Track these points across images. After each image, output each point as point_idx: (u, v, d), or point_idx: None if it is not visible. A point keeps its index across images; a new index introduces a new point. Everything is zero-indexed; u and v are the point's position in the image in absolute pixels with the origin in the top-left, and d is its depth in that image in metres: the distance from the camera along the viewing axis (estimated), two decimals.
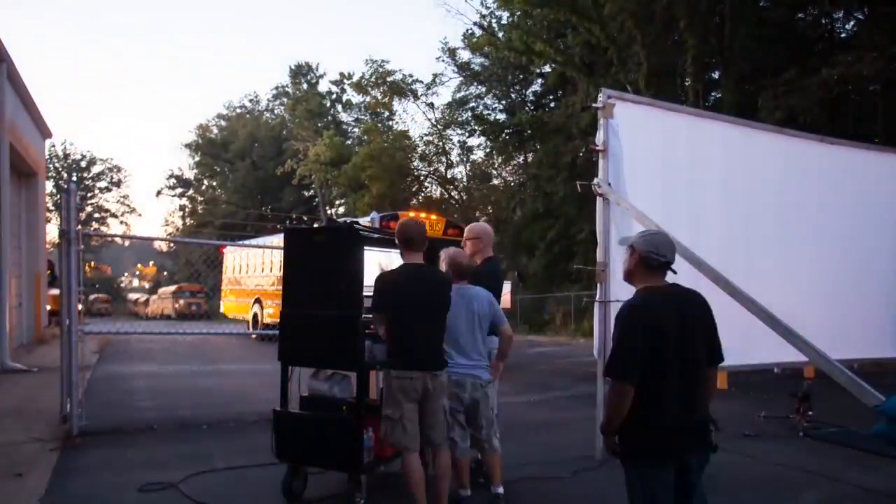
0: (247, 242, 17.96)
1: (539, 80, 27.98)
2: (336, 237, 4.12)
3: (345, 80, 38.57)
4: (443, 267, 4.17)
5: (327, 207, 39.04)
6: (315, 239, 4.24)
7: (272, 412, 4.19)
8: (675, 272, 2.78)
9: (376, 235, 4.81)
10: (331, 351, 3.99)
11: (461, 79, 30.10)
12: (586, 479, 4.63)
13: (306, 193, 44.01)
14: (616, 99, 5.48)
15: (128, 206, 54.97)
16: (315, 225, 20.89)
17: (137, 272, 65.20)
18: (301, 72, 44.24)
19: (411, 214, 12.08)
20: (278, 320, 4.26)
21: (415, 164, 30.08)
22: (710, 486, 2.69)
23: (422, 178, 30.94)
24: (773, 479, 4.67)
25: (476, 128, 27.33)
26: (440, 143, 30.70)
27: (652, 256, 2.69)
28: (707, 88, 18.89)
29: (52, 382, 5.71)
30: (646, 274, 2.72)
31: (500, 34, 24.96)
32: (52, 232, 23.79)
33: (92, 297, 34.35)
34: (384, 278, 3.80)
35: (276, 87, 50.07)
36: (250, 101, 53.40)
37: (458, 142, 30.72)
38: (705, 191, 6.04)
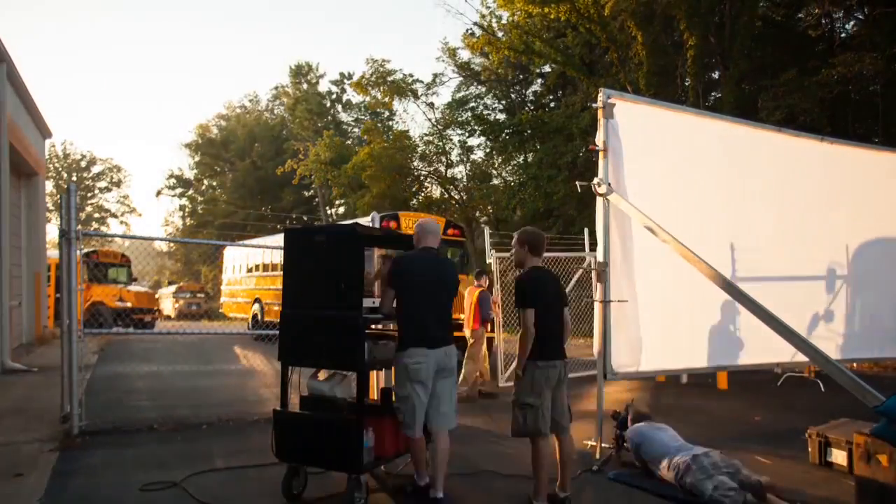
0: (247, 242, 17.90)
1: (539, 80, 27.97)
2: (336, 237, 4.12)
3: (345, 80, 38.65)
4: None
5: (327, 207, 39.01)
6: (315, 239, 4.23)
7: (272, 412, 4.19)
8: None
9: (376, 235, 4.81)
10: (331, 351, 3.99)
11: (461, 79, 30.11)
12: (586, 479, 4.64)
13: (306, 193, 43.93)
14: (616, 99, 5.48)
15: (128, 206, 55.10)
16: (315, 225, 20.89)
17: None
18: (301, 72, 44.21)
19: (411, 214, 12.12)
20: (278, 320, 4.26)
21: (415, 164, 30.04)
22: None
23: (422, 178, 30.90)
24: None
25: (476, 128, 27.28)
26: (440, 143, 30.68)
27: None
28: (707, 88, 18.90)
29: (52, 382, 5.70)
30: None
31: (500, 34, 24.95)
32: (52, 232, 23.78)
33: None
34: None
35: (276, 87, 50.08)
36: (250, 100, 53.35)
37: (458, 142, 30.72)
38: (705, 190, 6.05)
